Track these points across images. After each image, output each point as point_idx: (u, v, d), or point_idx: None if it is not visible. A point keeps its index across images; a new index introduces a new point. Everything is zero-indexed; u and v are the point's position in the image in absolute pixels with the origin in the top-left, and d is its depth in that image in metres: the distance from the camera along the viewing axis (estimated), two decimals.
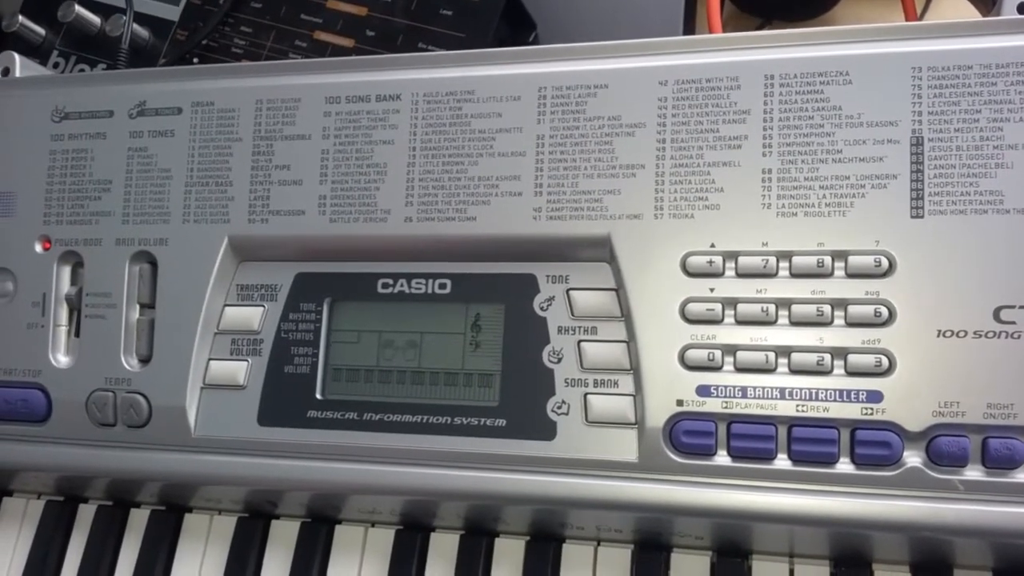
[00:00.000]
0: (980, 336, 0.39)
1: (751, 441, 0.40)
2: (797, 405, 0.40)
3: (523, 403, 0.44)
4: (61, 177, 0.50)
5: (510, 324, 0.44)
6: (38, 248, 0.50)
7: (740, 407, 0.41)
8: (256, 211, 0.47)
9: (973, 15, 0.58)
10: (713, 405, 0.41)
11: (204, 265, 0.47)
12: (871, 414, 0.39)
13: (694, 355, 0.41)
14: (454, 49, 0.56)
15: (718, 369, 0.41)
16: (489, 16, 0.58)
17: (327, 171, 0.46)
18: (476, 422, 0.44)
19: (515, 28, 0.60)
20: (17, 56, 0.55)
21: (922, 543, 0.40)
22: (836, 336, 0.40)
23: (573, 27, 0.62)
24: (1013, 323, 0.38)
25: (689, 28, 0.62)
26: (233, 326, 0.47)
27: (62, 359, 0.49)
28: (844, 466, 0.40)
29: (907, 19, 0.60)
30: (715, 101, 0.42)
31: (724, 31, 0.59)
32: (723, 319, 0.41)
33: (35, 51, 0.69)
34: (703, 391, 0.41)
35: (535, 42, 0.62)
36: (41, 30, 0.69)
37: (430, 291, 0.46)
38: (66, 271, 0.50)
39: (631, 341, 0.42)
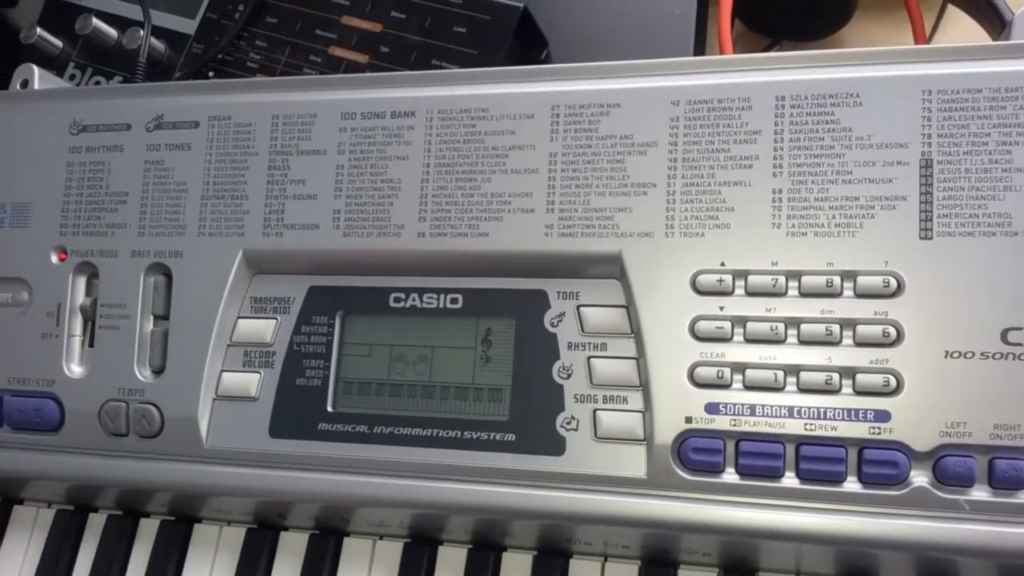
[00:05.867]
0: (987, 357, 0.39)
1: (759, 459, 0.41)
2: (805, 424, 0.40)
3: (533, 418, 0.44)
4: (78, 189, 0.51)
5: (520, 339, 0.45)
6: (54, 259, 0.51)
7: (749, 425, 0.41)
8: (271, 225, 0.48)
9: (982, 37, 0.58)
10: (722, 423, 0.41)
11: (218, 278, 0.48)
12: (879, 433, 0.40)
13: (703, 372, 0.41)
14: (467, 66, 0.57)
15: (727, 387, 0.41)
16: (502, 34, 0.58)
17: (342, 186, 0.47)
18: (486, 436, 0.44)
19: (527, 46, 0.61)
20: (36, 68, 0.56)
21: (928, 562, 0.41)
22: (844, 356, 0.40)
23: (585, 45, 0.63)
24: (1020, 345, 0.39)
25: (699, 47, 0.62)
26: (246, 338, 0.48)
27: (76, 369, 0.50)
28: (851, 485, 0.40)
29: (916, 41, 0.61)
30: (726, 121, 0.43)
31: (734, 50, 0.59)
32: (732, 337, 0.42)
33: (52, 63, 0.69)
34: (712, 408, 0.41)
35: (547, 60, 0.62)
36: (58, 42, 0.70)
37: (442, 306, 0.46)
38: (81, 282, 0.50)
39: (640, 358, 0.43)
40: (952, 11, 0.64)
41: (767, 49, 0.68)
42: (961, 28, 0.65)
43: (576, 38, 0.63)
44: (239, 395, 0.47)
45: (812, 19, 0.65)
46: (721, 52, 0.59)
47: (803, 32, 0.67)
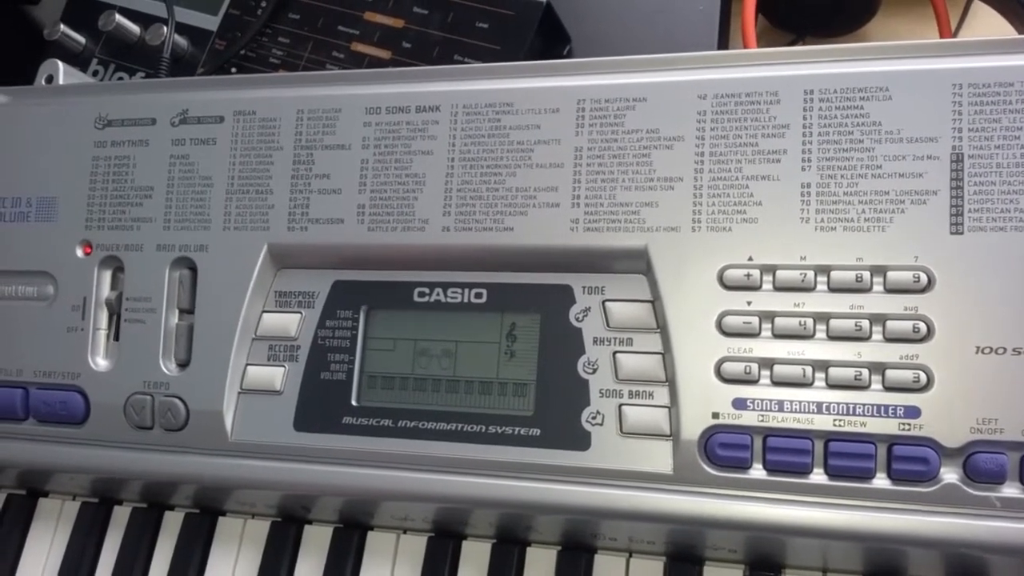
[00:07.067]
0: (1019, 353, 0.39)
1: (787, 455, 0.40)
2: (834, 420, 0.40)
3: (558, 413, 0.44)
4: (103, 183, 0.51)
5: (545, 334, 0.45)
6: (79, 253, 0.51)
7: (776, 421, 0.41)
8: (296, 219, 0.48)
9: (1007, 31, 0.58)
10: (749, 418, 0.41)
11: (243, 272, 0.48)
12: (908, 430, 0.39)
13: (730, 368, 0.41)
14: (489, 61, 0.57)
15: (755, 382, 0.41)
16: (524, 29, 0.58)
17: (366, 180, 0.47)
18: (510, 431, 0.44)
19: (550, 42, 0.61)
20: (61, 64, 0.56)
21: (957, 560, 0.40)
22: (874, 351, 0.40)
23: (607, 42, 0.62)
24: None
25: (723, 44, 0.62)
26: (271, 332, 0.48)
27: (101, 362, 0.50)
28: (880, 481, 0.40)
29: (941, 35, 0.60)
30: (754, 115, 0.43)
31: (758, 46, 0.59)
32: (760, 332, 0.41)
33: (75, 59, 0.70)
34: (739, 404, 0.41)
35: (569, 56, 0.62)
36: (81, 39, 0.70)
37: (466, 300, 0.46)
38: (107, 276, 0.51)
39: (667, 353, 0.42)
40: (977, 6, 0.64)
41: (791, 45, 0.67)
42: (986, 23, 0.65)
43: (599, 34, 0.63)
44: (264, 389, 0.47)
45: (836, 15, 0.65)
46: (745, 48, 0.58)
47: (827, 28, 0.66)
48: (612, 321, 0.44)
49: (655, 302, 0.43)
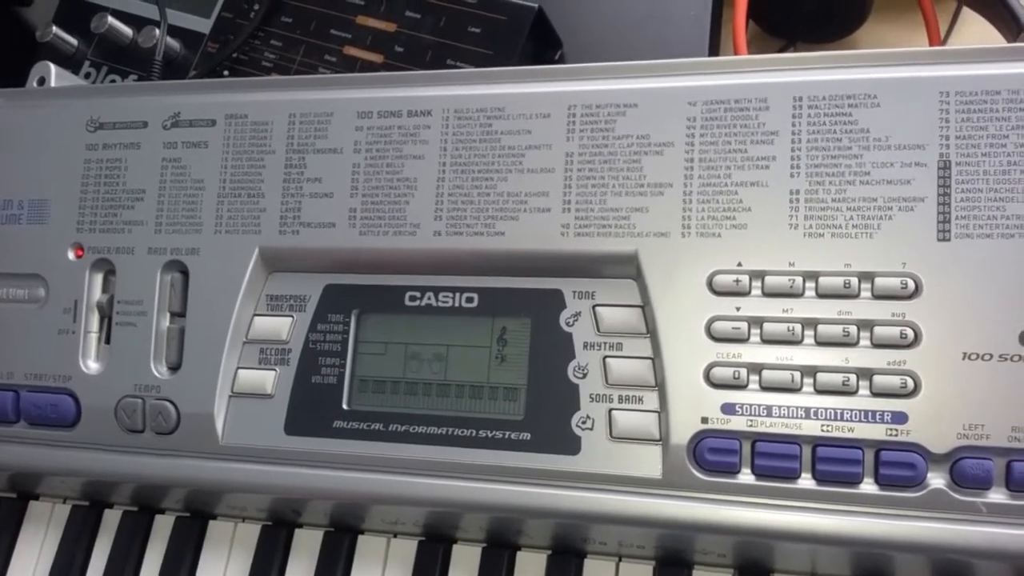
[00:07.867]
0: (1005, 359, 0.39)
1: (775, 460, 0.41)
2: (822, 425, 0.40)
3: (548, 417, 0.44)
4: (95, 186, 0.51)
5: (536, 339, 0.45)
6: (71, 255, 0.51)
7: (765, 426, 0.41)
8: (287, 223, 0.48)
9: (996, 40, 0.58)
10: (738, 423, 0.41)
11: (235, 275, 0.48)
12: (896, 435, 0.39)
13: (719, 373, 0.41)
14: (481, 66, 0.57)
15: (743, 387, 0.41)
16: (516, 34, 0.58)
17: (358, 184, 0.47)
18: (501, 435, 0.44)
19: (541, 46, 0.61)
20: (53, 66, 0.56)
21: (944, 565, 0.40)
22: (862, 357, 0.40)
23: (598, 47, 0.63)
24: None
25: (714, 49, 0.62)
26: (262, 336, 0.48)
27: (92, 365, 0.50)
28: (868, 487, 0.40)
29: (931, 43, 0.61)
30: (743, 122, 0.43)
31: (748, 52, 0.59)
32: (749, 338, 0.41)
33: (67, 61, 0.70)
34: (728, 409, 0.41)
35: (561, 60, 0.62)
36: (74, 40, 0.70)
37: (457, 304, 0.46)
38: (98, 278, 0.51)
39: (656, 358, 0.43)
40: (967, 13, 0.64)
41: (782, 51, 0.68)
42: (975, 31, 0.65)
43: (590, 39, 0.63)
44: (255, 392, 0.47)
45: (827, 21, 0.65)
46: (736, 54, 0.59)
47: (818, 34, 0.67)
48: (602, 326, 0.44)
49: (645, 307, 0.43)
